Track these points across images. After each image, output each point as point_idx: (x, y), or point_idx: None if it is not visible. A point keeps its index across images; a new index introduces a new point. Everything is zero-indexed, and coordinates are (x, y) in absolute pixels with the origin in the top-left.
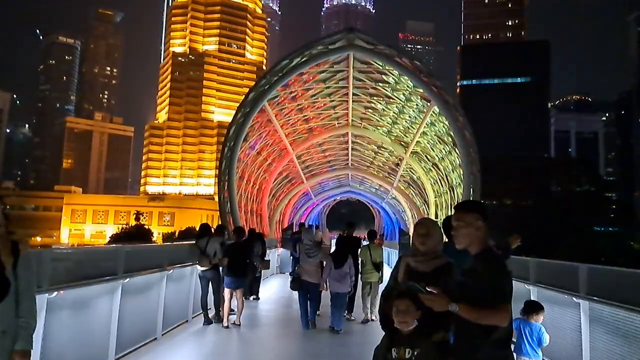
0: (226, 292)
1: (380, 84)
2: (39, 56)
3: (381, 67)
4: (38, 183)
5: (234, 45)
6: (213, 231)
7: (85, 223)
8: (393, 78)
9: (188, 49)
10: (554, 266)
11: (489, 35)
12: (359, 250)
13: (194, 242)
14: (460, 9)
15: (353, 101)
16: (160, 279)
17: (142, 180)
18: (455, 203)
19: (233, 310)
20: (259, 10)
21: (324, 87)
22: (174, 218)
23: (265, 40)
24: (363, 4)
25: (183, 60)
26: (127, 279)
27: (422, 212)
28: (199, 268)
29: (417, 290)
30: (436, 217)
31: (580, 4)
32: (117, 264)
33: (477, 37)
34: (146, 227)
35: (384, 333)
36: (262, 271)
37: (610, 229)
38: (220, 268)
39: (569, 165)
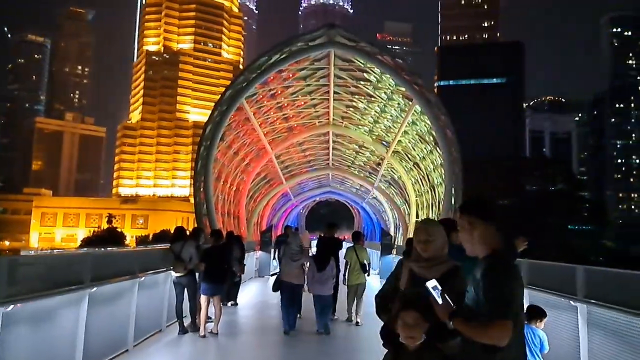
0: (203, 299)
1: (362, 82)
2: (7, 55)
3: (362, 65)
4: (6, 185)
5: (210, 44)
6: (189, 234)
7: (55, 226)
8: (375, 76)
9: (162, 48)
10: (549, 268)
11: (466, 36)
12: (345, 251)
13: (168, 246)
14: (437, 10)
15: (334, 99)
16: (131, 287)
17: (115, 182)
18: (437, 202)
19: (210, 318)
20: (235, 9)
21: (304, 84)
22: (147, 221)
23: (242, 39)
24: (341, 3)
25: (157, 59)
26: (95, 288)
27: (402, 212)
28: (174, 274)
29: (429, 295)
30: (417, 216)
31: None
32: (83, 272)
33: (454, 38)
34: (119, 230)
35: (381, 343)
36: (242, 276)
37: (584, 227)
38: (197, 274)
39: (545, 164)
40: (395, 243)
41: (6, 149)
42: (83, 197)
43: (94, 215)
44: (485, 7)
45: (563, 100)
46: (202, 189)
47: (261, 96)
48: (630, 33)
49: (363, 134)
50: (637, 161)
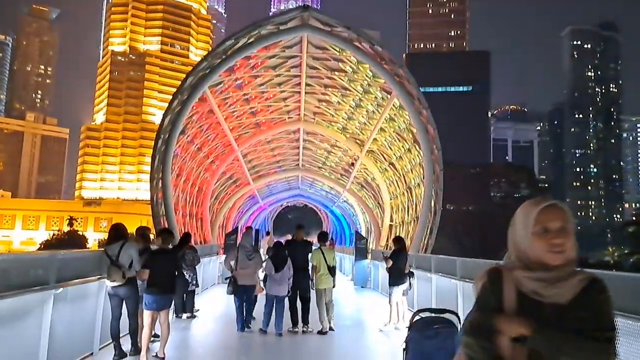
0: (145, 314)
1: (337, 73)
2: None
3: (338, 54)
4: None
5: (177, 46)
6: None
7: (14, 229)
8: (350, 66)
9: (128, 49)
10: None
11: (433, 44)
12: (310, 254)
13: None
14: (405, 18)
15: (306, 92)
16: (41, 301)
17: (78, 185)
18: (414, 205)
19: (157, 336)
20: (203, 11)
21: (273, 74)
22: (111, 224)
23: (210, 42)
24: None
25: (123, 59)
26: None
27: (375, 215)
28: (109, 283)
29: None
30: (391, 220)
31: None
32: None
33: (422, 46)
34: (80, 233)
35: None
36: (199, 283)
37: None
38: (139, 283)
39: (510, 171)
40: (370, 247)
41: None
42: (44, 200)
43: (55, 218)
44: (453, 16)
45: (525, 109)
46: (159, 187)
47: (227, 86)
48: (589, 46)
49: (336, 131)
50: (595, 170)
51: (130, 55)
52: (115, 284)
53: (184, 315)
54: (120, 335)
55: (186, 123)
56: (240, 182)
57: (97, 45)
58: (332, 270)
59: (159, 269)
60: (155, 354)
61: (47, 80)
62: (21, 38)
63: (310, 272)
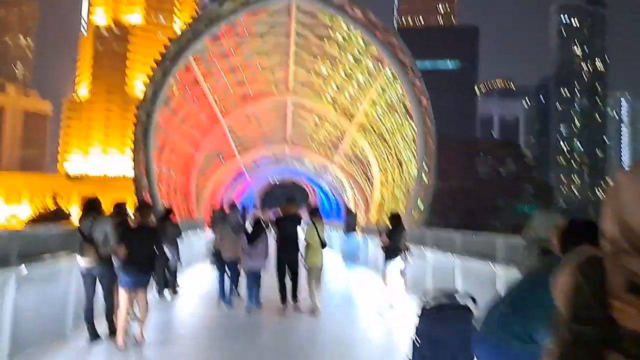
0: (122, 293)
1: (327, 41)
2: None
3: (328, 21)
4: None
5: (161, 18)
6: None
7: None
8: (341, 34)
9: (111, 21)
10: None
11: (421, 19)
12: (305, 231)
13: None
14: None
15: (294, 63)
16: (1, 283)
17: (61, 159)
18: (404, 180)
19: (135, 319)
20: None
21: (260, 43)
22: None
23: (196, 14)
24: None
25: (105, 32)
26: None
27: (364, 190)
28: (82, 262)
29: None
30: (381, 196)
31: None
32: None
33: (410, 21)
34: (65, 210)
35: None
36: (181, 260)
37: (531, 209)
38: (114, 261)
39: (497, 147)
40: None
41: None
42: (27, 173)
43: (39, 193)
44: None
45: (512, 85)
46: (142, 160)
47: (212, 55)
48: (576, 21)
49: (327, 103)
50: (580, 147)
51: (113, 28)
52: (88, 261)
53: (166, 294)
54: (95, 317)
55: (169, 94)
56: (226, 156)
57: (78, 17)
58: (323, 245)
59: (136, 245)
60: (133, 338)
61: (27, 53)
62: None
63: (302, 247)
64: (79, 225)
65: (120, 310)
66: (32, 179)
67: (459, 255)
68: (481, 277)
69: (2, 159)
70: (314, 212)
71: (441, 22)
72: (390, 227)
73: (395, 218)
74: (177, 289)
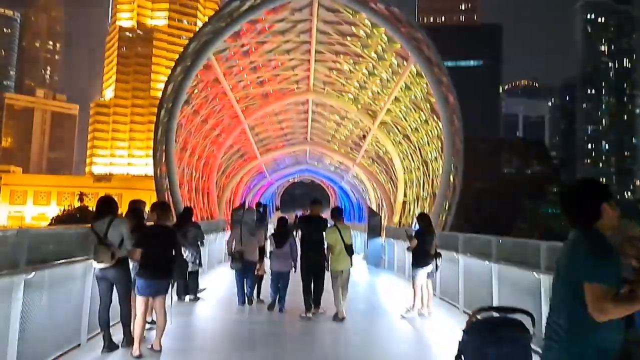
0: (138, 301)
1: (349, 38)
2: None
3: (351, 17)
4: None
5: (185, 21)
6: (128, 210)
7: (25, 205)
8: (364, 30)
9: (136, 24)
10: None
11: (443, 18)
12: (326, 232)
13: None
14: None
15: (316, 60)
16: (8, 288)
17: (88, 160)
18: (430, 180)
19: (155, 323)
20: None
21: (281, 41)
22: (121, 199)
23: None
24: None
25: (130, 35)
26: None
27: (387, 191)
28: (96, 265)
29: None
30: (405, 195)
31: None
32: None
33: (432, 20)
34: (91, 209)
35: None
36: (202, 263)
37: (557, 210)
38: (131, 265)
39: (522, 147)
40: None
41: None
42: (55, 175)
43: (66, 193)
44: None
45: (537, 84)
46: (163, 160)
47: (232, 53)
48: (602, 19)
49: (347, 102)
50: (607, 147)
51: (138, 31)
52: (103, 265)
53: (187, 298)
54: (111, 324)
55: (190, 92)
56: (247, 156)
57: (104, 20)
58: (349, 250)
59: (153, 248)
60: (150, 346)
61: (56, 56)
62: (29, 13)
63: (325, 251)
64: (93, 226)
65: (137, 317)
66: (60, 180)
67: (496, 262)
68: (522, 286)
69: (32, 161)
70: (337, 214)
71: (463, 20)
72: (420, 230)
73: (424, 219)
74: (199, 294)
